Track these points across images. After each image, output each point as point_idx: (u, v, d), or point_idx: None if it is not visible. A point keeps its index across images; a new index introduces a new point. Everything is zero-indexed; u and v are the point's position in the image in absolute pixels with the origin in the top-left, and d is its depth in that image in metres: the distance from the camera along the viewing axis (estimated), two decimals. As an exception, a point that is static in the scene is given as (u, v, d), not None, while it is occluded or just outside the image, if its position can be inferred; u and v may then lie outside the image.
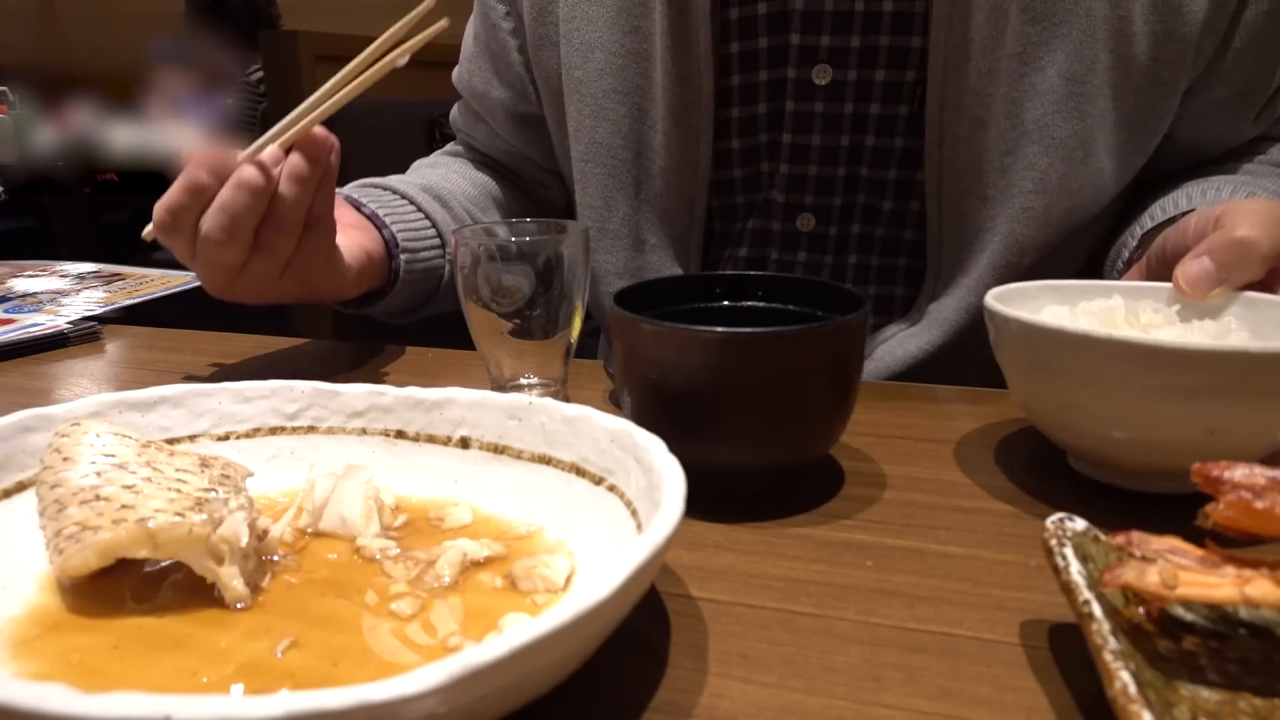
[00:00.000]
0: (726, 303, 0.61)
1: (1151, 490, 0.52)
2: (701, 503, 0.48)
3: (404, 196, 0.88)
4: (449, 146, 1.10)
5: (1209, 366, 0.46)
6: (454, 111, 1.08)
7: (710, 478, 0.51)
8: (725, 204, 0.87)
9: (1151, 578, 0.35)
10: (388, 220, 0.83)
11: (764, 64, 0.81)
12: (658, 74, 0.83)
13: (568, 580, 0.42)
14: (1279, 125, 0.83)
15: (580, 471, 0.48)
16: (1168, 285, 0.59)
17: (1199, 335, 0.54)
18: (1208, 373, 0.46)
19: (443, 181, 0.95)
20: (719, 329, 0.48)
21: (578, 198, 0.91)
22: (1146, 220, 0.77)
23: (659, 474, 0.41)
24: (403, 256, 0.82)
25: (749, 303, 0.61)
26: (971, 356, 0.83)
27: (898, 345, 0.83)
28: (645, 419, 0.51)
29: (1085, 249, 0.85)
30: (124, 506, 0.40)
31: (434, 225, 0.88)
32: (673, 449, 0.42)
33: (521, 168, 1.05)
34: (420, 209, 0.88)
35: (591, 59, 0.85)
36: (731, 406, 0.49)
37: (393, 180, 0.92)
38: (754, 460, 0.52)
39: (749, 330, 0.48)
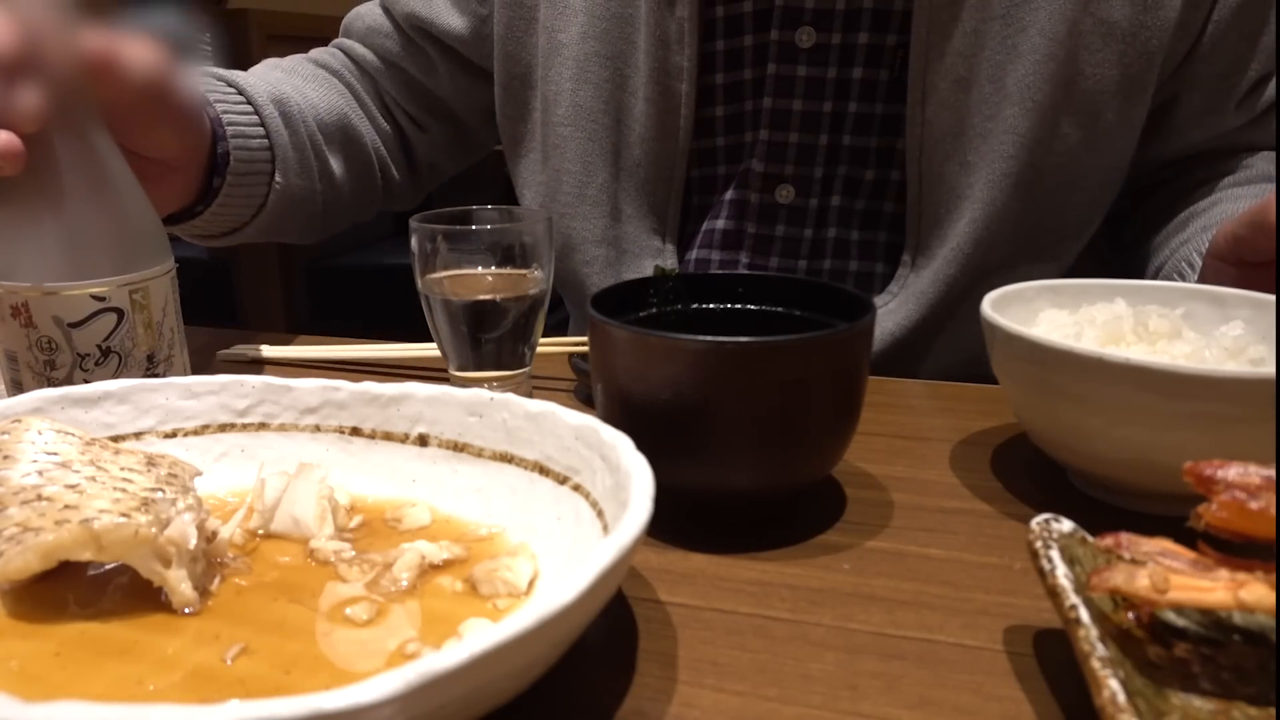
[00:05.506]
0: (712, 305, 0.58)
1: (1157, 513, 0.48)
2: (679, 524, 0.48)
3: (250, 102, 0.79)
4: (320, 52, 0.99)
5: (1237, 394, 0.44)
6: (364, 11, 0.98)
7: (697, 502, 0.50)
8: (706, 174, 0.87)
9: (1141, 581, 0.34)
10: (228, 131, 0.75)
11: (749, 28, 0.81)
12: (641, 38, 0.82)
13: (530, 584, 0.42)
14: (1259, 128, 0.83)
15: (544, 470, 0.47)
16: (1172, 285, 0.59)
17: (1215, 349, 0.52)
18: (1236, 401, 0.44)
19: (295, 95, 0.86)
20: (711, 338, 0.45)
21: (553, 164, 0.89)
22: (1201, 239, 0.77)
23: (626, 472, 0.40)
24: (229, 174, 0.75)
25: (735, 305, 0.57)
26: (949, 337, 0.83)
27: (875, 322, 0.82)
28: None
29: (1077, 239, 0.85)
30: (67, 507, 0.39)
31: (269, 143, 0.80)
32: (657, 471, 0.40)
33: (417, 102, 0.98)
34: (263, 123, 0.79)
35: (574, 21, 0.85)
36: (724, 425, 0.46)
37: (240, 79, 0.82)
38: (748, 485, 0.49)
39: (746, 340, 0.45)
